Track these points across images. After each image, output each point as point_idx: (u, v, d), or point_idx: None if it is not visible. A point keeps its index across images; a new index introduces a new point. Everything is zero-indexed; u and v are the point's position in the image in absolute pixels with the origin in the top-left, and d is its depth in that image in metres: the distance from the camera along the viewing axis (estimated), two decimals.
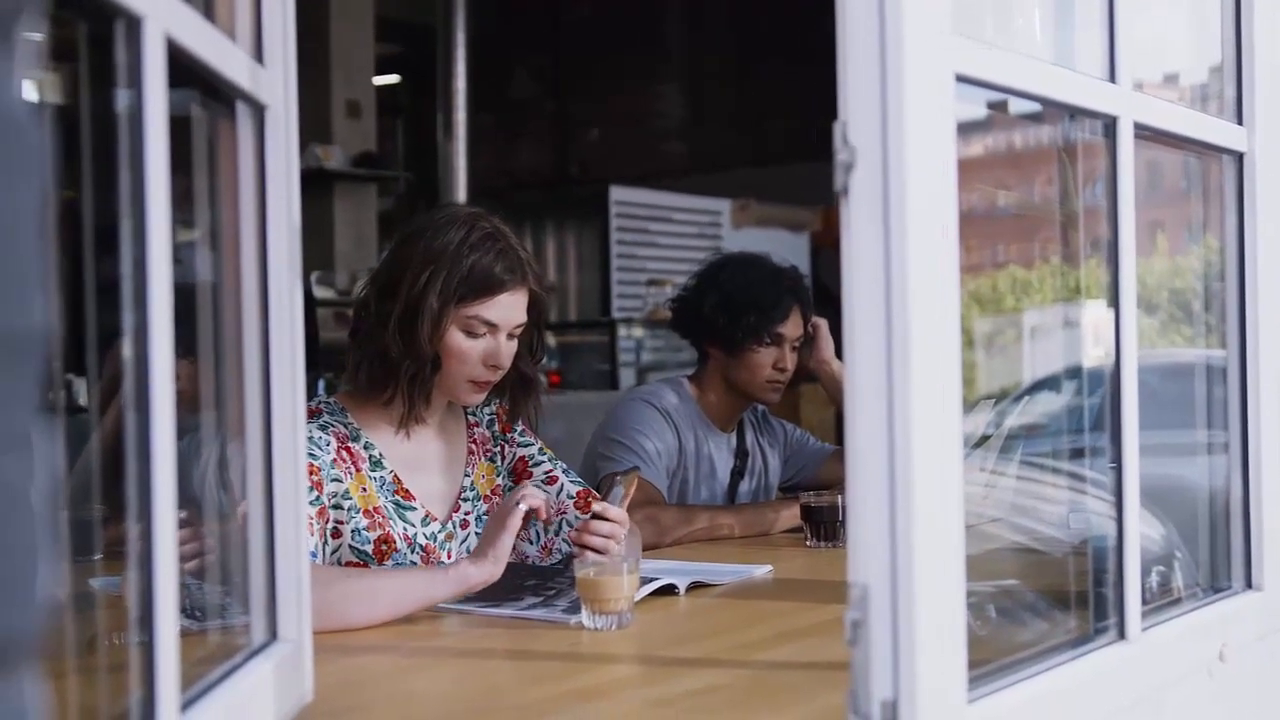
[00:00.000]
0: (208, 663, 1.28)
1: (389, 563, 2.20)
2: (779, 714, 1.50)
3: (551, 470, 2.43)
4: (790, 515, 2.87)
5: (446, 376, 2.25)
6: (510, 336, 2.26)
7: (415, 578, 2.01)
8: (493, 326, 2.23)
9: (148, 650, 1.02)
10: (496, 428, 2.45)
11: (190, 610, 1.34)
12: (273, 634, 1.39)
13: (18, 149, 0.57)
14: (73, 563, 1.34)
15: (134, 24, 1.00)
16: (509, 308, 2.24)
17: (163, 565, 1.03)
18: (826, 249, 8.43)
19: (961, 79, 1.26)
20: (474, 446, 2.41)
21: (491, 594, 2.07)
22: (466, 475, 2.38)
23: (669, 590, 2.14)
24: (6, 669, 0.57)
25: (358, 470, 2.22)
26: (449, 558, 2.29)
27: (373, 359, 2.23)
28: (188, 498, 1.18)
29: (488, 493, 2.40)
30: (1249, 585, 1.84)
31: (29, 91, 0.60)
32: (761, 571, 2.38)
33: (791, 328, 3.06)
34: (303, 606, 1.42)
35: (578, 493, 2.39)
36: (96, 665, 1.31)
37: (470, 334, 2.22)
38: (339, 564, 2.17)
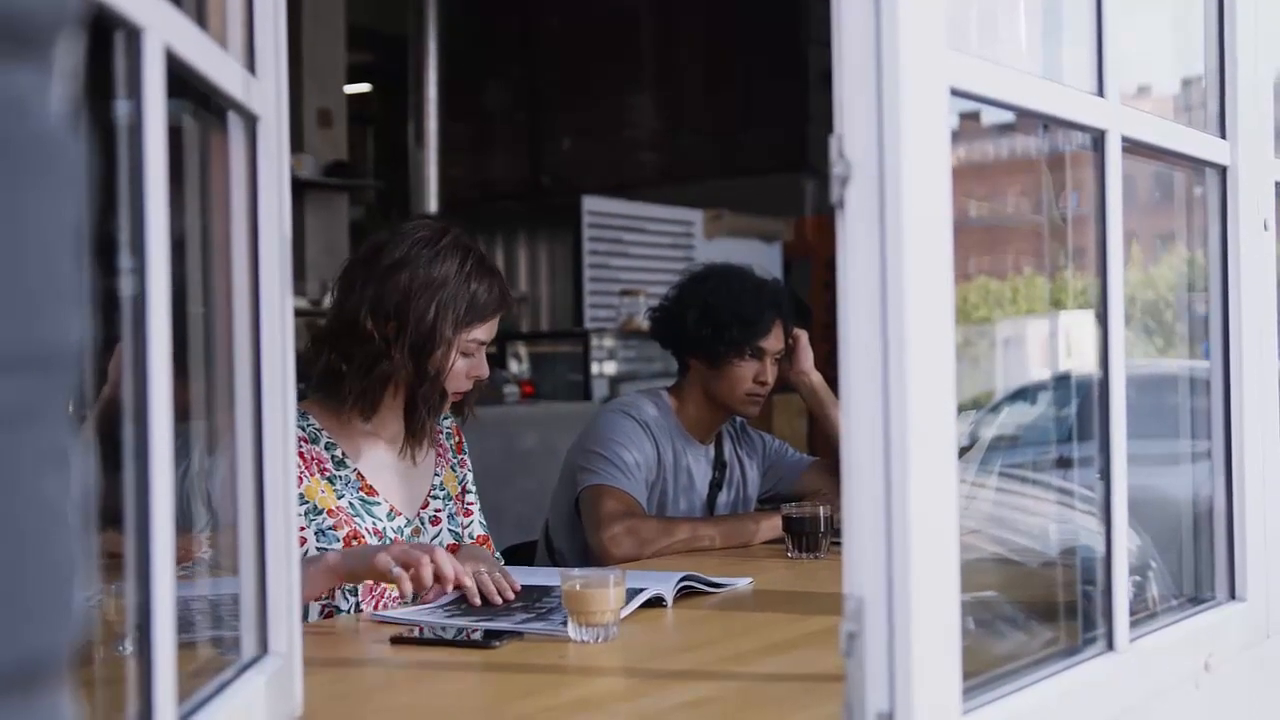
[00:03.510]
0: (198, 676, 1.27)
1: None
2: None
3: (473, 504, 2.54)
4: (771, 526, 2.87)
5: None
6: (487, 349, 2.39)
7: None
8: (482, 344, 2.36)
9: (144, 664, 1.01)
10: (453, 441, 2.55)
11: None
12: (263, 648, 1.38)
13: (58, 166, 0.57)
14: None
15: (134, 35, 0.99)
16: (495, 326, 2.38)
17: (160, 580, 1.02)
18: (798, 260, 8.45)
19: (956, 92, 1.27)
20: (441, 450, 2.50)
21: (481, 610, 2.07)
22: (436, 475, 2.46)
23: (656, 602, 2.14)
24: (46, 685, 0.57)
25: (312, 474, 2.27)
26: None
27: (378, 384, 2.29)
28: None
29: (456, 494, 2.50)
30: (1232, 596, 1.85)
31: (67, 105, 0.59)
32: (743, 583, 2.38)
33: (773, 342, 3.06)
34: (293, 620, 1.41)
35: (479, 536, 2.49)
36: (87, 679, 1.30)
37: (465, 354, 2.34)
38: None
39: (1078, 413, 1.81)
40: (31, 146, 0.56)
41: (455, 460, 2.53)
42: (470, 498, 2.54)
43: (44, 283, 0.56)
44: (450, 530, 2.45)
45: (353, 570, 2.05)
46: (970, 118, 1.52)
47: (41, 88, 0.57)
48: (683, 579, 2.22)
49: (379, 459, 2.37)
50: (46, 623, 0.57)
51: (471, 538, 2.45)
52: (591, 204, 8.41)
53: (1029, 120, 1.62)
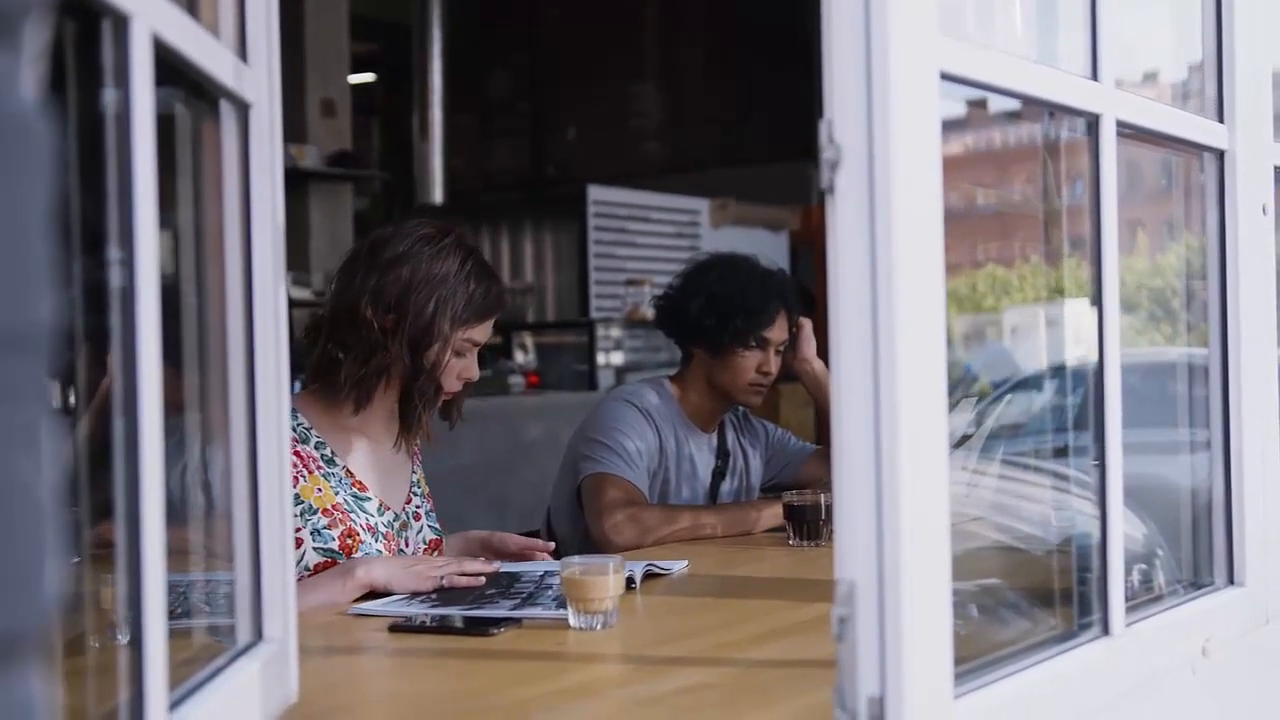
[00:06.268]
0: (194, 663, 1.28)
1: (358, 555, 2.28)
2: (765, 711, 1.50)
3: (429, 507, 2.55)
4: (772, 514, 2.87)
5: None
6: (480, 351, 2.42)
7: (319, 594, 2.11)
8: (476, 346, 2.38)
9: (136, 651, 1.02)
10: (419, 443, 2.56)
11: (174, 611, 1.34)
12: (258, 634, 1.39)
13: (26, 149, 0.57)
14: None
15: (121, 22, 0.99)
16: (490, 328, 2.41)
17: (150, 567, 1.02)
18: (805, 248, 8.44)
19: (946, 77, 1.26)
20: (416, 450, 2.53)
21: (460, 600, 2.06)
22: (414, 473, 2.51)
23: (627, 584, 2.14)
24: (16, 664, 0.57)
25: (310, 473, 2.30)
26: (406, 546, 2.41)
27: (373, 374, 2.31)
28: (169, 500, 1.17)
29: (427, 492, 2.54)
30: (1231, 581, 1.85)
31: (36, 89, 0.60)
32: (679, 567, 2.40)
33: (777, 332, 3.06)
34: (288, 607, 1.42)
35: (431, 540, 2.49)
36: (78, 667, 1.30)
37: (458, 354, 2.36)
38: (307, 570, 2.20)
39: (1081, 401, 1.81)
40: (2, 130, 0.56)
41: (421, 461, 2.58)
42: (428, 506, 2.56)
43: (15, 265, 0.57)
44: (430, 526, 2.50)
45: (394, 584, 2.15)
46: (977, 105, 1.52)
47: (10, 72, 0.57)
48: (646, 573, 2.26)
49: (364, 455, 2.40)
50: (17, 601, 0.57)
51: (424, 542, 2.46)
52: (597, 193, 8.41)
53: (1034, 107, 1.62)
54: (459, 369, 2.37)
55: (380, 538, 2.33)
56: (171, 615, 1.16)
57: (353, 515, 2.30)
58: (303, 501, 2.25)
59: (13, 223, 0.56)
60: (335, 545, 2.26)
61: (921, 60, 1.21)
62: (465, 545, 2.53)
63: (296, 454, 2.27)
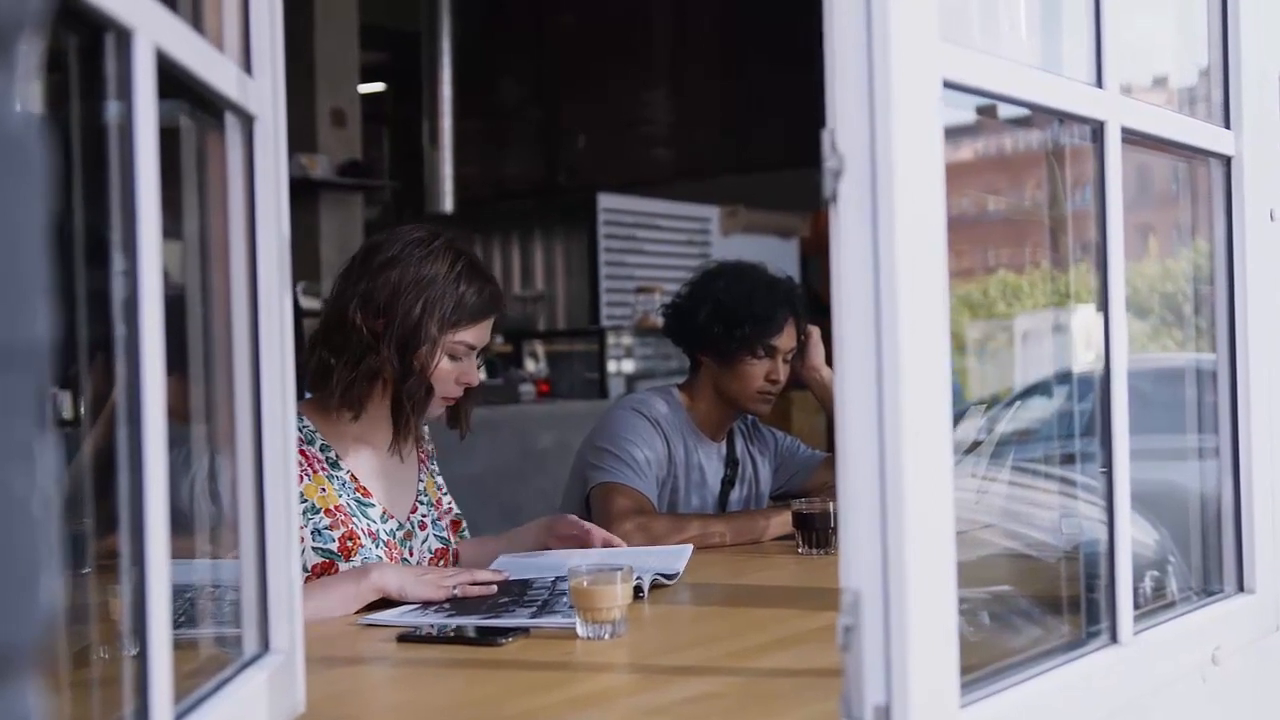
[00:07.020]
0: (200, 674, 1.28)
1: (356, 558, 2.28)
2: None
3: (455, 513, 2.57)
4: (781, 522, 2.87)
5: None
6: (479, 355, 2.41)
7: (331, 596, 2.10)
8: (472, 349, 2.37)
9: (141, 662, 1.02)
10: (430, 450, 2.58)
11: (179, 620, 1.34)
12: (265, 645, 1.39)
13: (19, 163, 0.57)
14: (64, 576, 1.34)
15: (124, 36, 1.00)
16: (487, 331, 2.40)
17: (155, 578, 1.03)
18: (815, 256, 8.44)
19: (949, 85, 1.27)
20: (423, 457, 2.54)
21: (474, 610, 2.06)
22: (420, 481, 2.50)
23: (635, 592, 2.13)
24: (10, 678, 0.57)
25: (315, 473, 2.31)
26: (410, 555, 2.41)
27: (364, 378, 2.31)
28: (177, 511, 1.18)
29: (436, 500, 2.53)
30: (1240, 588, 1.84)
31: (30, 104, 0.60)
32: (685, 553, 2.43)
33: (785, 340, 3.06)
34: (294, 618, 1.42)
35: (436, 549, 2.49)
36: (87, 678, 1.31)
37: (452, 357, 2.35)
38: (305, 570, 2.21)
39: (1091, 406, 1.81)
40: None
41: (433, 467, 2.57)
42: (451, 506, 2.58)
43: (10, 280, 0.57)
44: (436, 535, 2.49)
45: (407, 591, 2.13)
46: (987, 111, 1.52)
47: (5, 87, 0.57)
48: (653, 583, 2.25)
49: (369, 462, 2.40)
50: (12, 615, 0.57)
51: (429, 552, 2.47)
52: (607, 201, 8.41)
53: (1042, 113, 1.62)
54: (456, 373, 2.36)
55: (381, 544, 2.33)
56: (177, 624, 1.17)
57: (354, 519, 2.31)
58: (306, 500, 2.25)
59: (7, 238, 0.56)
60: (335, 547, 2.27)
61: (923, 68, 1.21)
62: (543, 533, 2.55)
63: (302, 453, 2.28)
